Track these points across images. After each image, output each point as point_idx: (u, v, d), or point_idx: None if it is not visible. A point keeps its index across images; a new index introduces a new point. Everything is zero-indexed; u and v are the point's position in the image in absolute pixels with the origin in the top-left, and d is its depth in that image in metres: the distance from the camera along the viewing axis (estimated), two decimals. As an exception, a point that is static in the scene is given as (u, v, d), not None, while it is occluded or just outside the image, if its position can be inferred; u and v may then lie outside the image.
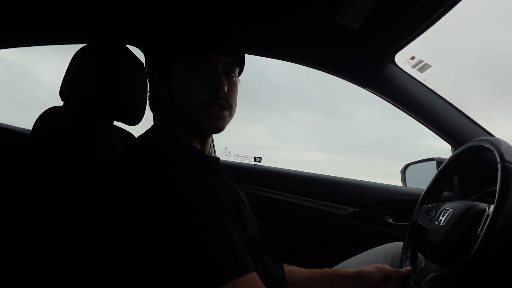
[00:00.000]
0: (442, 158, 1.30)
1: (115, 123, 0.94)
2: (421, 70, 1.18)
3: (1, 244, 0.83)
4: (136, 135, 0.97)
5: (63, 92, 0.87)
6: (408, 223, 1.01)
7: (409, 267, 0.88)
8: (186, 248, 0.52)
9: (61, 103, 0.87)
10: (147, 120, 0.96)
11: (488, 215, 0.73)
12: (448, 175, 1.01)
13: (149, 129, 0.77)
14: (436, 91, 1.23)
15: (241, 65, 0.80)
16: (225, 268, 0.51)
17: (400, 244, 1.00)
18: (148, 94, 0.84)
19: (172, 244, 0.53)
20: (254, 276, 0.54)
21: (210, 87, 0.70)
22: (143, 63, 0.94)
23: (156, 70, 0.77)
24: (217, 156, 1.69)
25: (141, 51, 1.20)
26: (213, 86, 0.70)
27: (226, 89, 0.71)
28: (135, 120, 0.94)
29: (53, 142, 0.80)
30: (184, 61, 0.72)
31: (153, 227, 0.55)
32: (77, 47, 0.89)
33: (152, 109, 0.84)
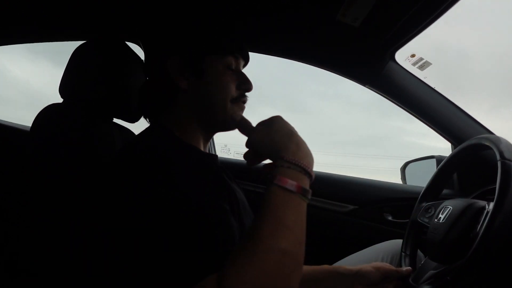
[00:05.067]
0: (442, 156, 1.30)
1: (115, 120, 0.94)
2: (422, 68, 1.18)
3: (1, 244, 0.83)
4: (136, 132, 0.97)
5: (62, 89, 0.87)
6: (407, 220, 1.01)
7: (409, 267, 0.88)
8: (178, 242, 0.53)
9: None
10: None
11: (487, 212, 0.73)
12: (447, 173, 1.01)
13: (148, 127, 0.77)
14: (436, 88, 1.23)
15: None
16: (215, 260, 0.52)
17: (400, 241, 1.00)
18: (155, 87, 0.80)
19: (165, 238, 0.53)
20: None
21: (241, 86, 0.76)
22: (142, 60, 0.93)
23: (177, 63, 0.74)
24: (217, 153, 1.69)
25: (141, 48, 1.20)
26: (245, 85, 0.77)
27: None
28: (134, 117, 0.94)
29: (52, 139, 0.80)
30: (219, 58, 0.75)
31: (148, 224, 0.55)
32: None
33: (162, 103, 0.77)
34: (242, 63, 0.81)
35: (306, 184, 0.58)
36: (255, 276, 0.49)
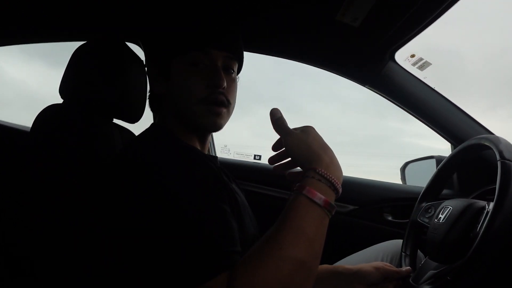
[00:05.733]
0: (442, 156, 1.30)
1: (115, 120, 0.94)
2: (421, 68, 1.18)
3: (1, 243, 0.83)
4: (136, 133, 0.97)
5: (62, 90, 0.87)
6: (407, 220, 1.01)
7: (409, 267, 0.88)
8: (178, 243, 0.53)
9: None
10: (148, 118, 0.96)
11: (487, 212, 0.73)
12: (447, 173, 1.01)
13: (148, 128, 0.77)
14: (436, 89, 1.23)
15: (240, 61, 0.81)
16: (214, 262, 0.52)
17: (400, 241, 1.00)
18: (148, 93, 0.84)
19: (165, 240, 0.53)
20: None
21: (209, 83, 0.70)
22: (142, 60, 0.94)
23: (155, 68, 0.77)
24: (217, 153, 1.69)
25: (141, 48, 1.20)
26: (212, 81, 0.70)
27: (225, 84, 0.71)
28: (134, 117, 0.94)
29: (53, 140, 0.80)
30: (182, 57, 0.72)
31: (147, 224, 0.55)
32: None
33: (152, 109, 0.84)
34: (219, 56, 0.73)
35: (333, 199, 0.58)
36: (266, 282, 0.49)
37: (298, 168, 0.64)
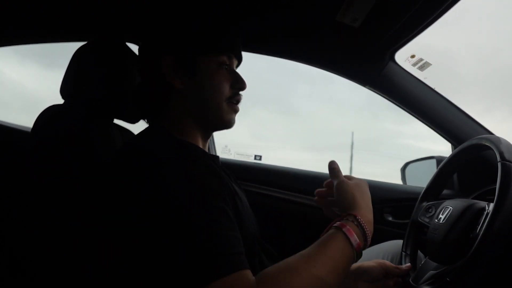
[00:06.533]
0: (442, 156, 1.30)
1: (115, 121, 0.94)
2: (421, 68, 1.18)
3: (1, 243, 0.83)
4: (136, 133, 0.97)
5: (63, 90, 0.87)
6: (408, 221, 1.01)
7: (409, 263, 0.88)
8: (180, 244, 0.53)
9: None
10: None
11: (487, 213, 0.73)
12: (448, 173, 1.01)
13: (146, 128, 0.77)
14: (436, 89, 1.23)
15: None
16: (217, 264, 0.52)
17: (400, 242, 1.00)
18: (149, 87, 0.80)
19: (167, 241, 0.53)
20: (246, 274, 0.54)
21: (235, 85, 0.78)
22: None
23: (171, 63, 0.75)
24: (218, 154, 1.69)
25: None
26: (239, 84, 0.78)
27: None
28: (134, 118, 0.94)
29: (53, 140, 0.81)
30: (212, 57, 0.76)
31: (148, 225, 0.55)
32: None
33: (157, 103, 0.78)
34: (235, 62, 0.82)
35: (361, 248, 0.63)
36: None
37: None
